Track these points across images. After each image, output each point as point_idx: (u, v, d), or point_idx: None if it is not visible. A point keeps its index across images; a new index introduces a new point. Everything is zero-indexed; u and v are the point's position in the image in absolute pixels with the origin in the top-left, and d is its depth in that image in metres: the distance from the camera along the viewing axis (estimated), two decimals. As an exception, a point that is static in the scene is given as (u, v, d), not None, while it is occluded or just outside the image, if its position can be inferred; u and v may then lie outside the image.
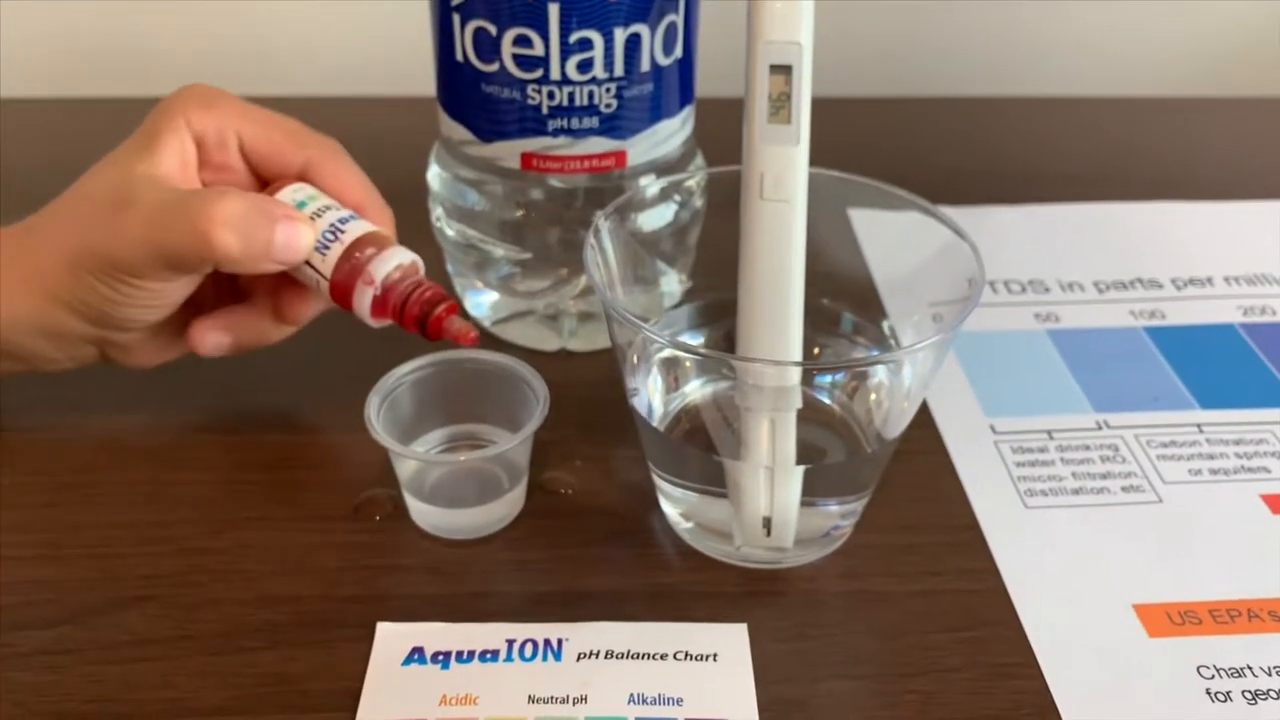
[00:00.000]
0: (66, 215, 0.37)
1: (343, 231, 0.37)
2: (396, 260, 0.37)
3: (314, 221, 0.37)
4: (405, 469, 0.38)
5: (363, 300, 0.37)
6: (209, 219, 0.35)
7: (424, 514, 0.38)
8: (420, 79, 0.48)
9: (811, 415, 0.38)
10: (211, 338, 0.40)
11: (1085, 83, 0.73)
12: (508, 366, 0.39)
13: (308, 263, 0.37)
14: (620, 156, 0.42)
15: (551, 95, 0.40)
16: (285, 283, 0.40)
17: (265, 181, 0.40)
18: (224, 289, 0.41)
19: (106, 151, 0.38)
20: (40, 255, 0.37)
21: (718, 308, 0.41)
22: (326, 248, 0.37)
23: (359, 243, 0.37)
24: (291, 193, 0.38)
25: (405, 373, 0.39)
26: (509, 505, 0.39)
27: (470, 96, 0.42)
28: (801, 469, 0.35)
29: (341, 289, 0.37)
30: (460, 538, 0.38)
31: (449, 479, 0.38)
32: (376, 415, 0.37)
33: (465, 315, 0.46)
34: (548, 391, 0.38)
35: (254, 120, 0.39)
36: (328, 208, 0.38)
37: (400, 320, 0.38)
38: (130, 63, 0.68)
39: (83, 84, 0.68)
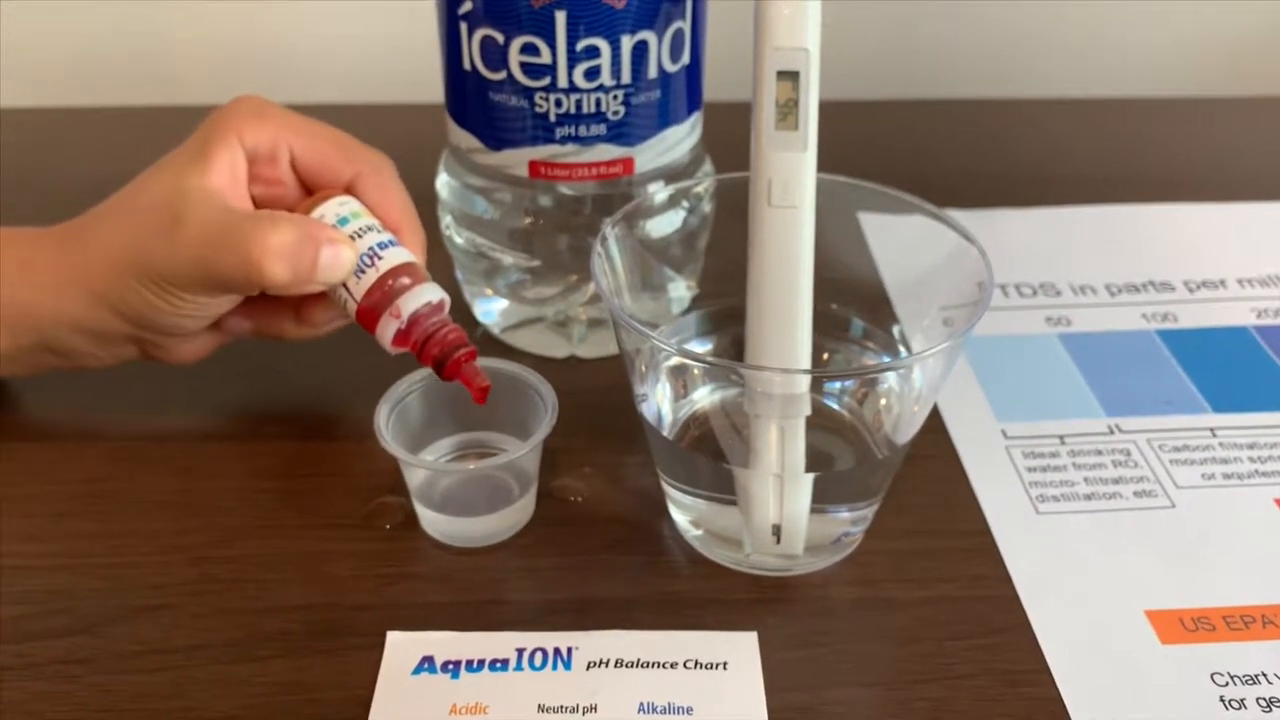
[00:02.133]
0: (117, 220, 0.38)
1: (380, 258, 0.37)
2: (426, 298, 0.37)
3: (354, 242, 0.37)
4: (415, 477, 0.38)
5: (386, 331, 0.37)
6: (262, 248, 0.35)
7: (434, 522, 0.38)
8: (428, 86, 0.49)
9: (821, 421, 0.38)
10: (234, 319, 0.40)
11: (1095, 84, 0.72)
12: (517, 374, 0.39)
13: (341, 283, 0.38)
14: (628, 163, 0.42)
15: (559, 103, 0.40)
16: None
17: (312, 193, 0.40)
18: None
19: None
20: (89, 257, 0.37)
21: (726, 314, 0.41)
22: (362, 272, 0.37)
23: (393, 272, 0.37)
24: (336, 206, 0.38)
25: (415, 381, 0.39)
26: (519, 513, 0.39)
27: (478, 105, 0.42)
28: (811, 476, 0.35)
29: (368, 315, 0.38)
30: (470, 546, 0.38)
31: (459, 487, 0.39)
32: (386, 424, 0.38)
33: (475, 337, 0.46)
34: (556, 399, 0.38)
35: (305, 133, 0.39)
36: (369, 228, 0.38)
37: (419, 355, 0.38)
38: (142, 71, 0.69)
39: (96, 93, 0.68)
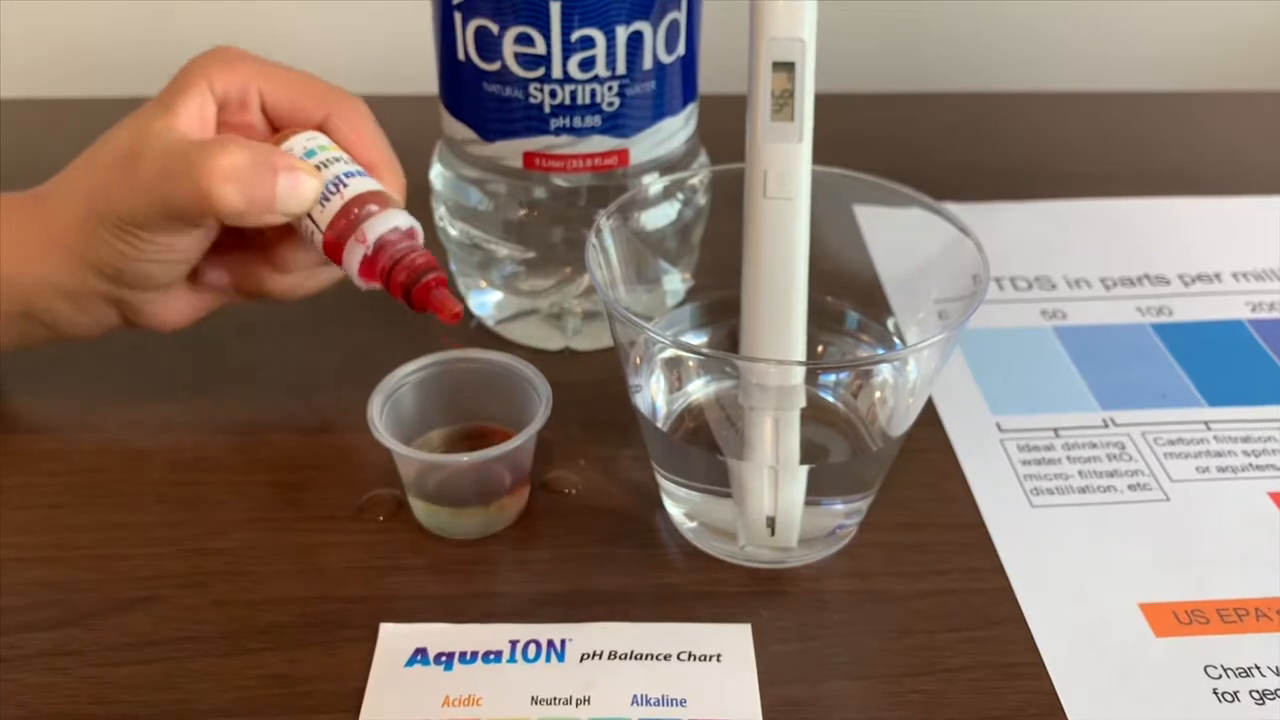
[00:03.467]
0: (81, 173, 0.37)
1: (345, 185, 0.36)
2: (394, 223, 0.36)
3: (319, 172, 0.36)
4: (408, 469, 0.38)
5: (352, 258, 0.36)
6: (209, 173, 0.34)
7: (427, 514, 0.38)
8: (423, 78, 0.48)
9: (815, 414, 0.38)
10: (211, 271, 0.40)
11: (1092, 78, 0.72)
12: (511, 366, 0.39)
13: (307, 214, 0.37)
14: (623, 155, 0.42)
15: (554, 94, 0.40)
16: (282, 230, 0.39)
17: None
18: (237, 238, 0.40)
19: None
20: (57, 215, 0.37)
21: (721, 306, 0.40)
22: (327, 200, 0.36)
23: (359, 199, 0.36)
24: (303, 140, 0.38)
25: (408, 373, 0.39)
26: (512, 505, 0.38)
27: (472, 95, 0.42)
28: (805, 468, 0.35)
29: (334, 245, 0.36)
30: (464, 538, 0.38)
31: (452, 479, 0.38)
32: (379, 416, 0.37)
33: (459, 295, 0.45)
34: (550, 391, 0.38)
35: (275, 78, 0.39)
36: (336, 159, 0.37)
37: (387, 285, 0.36)
38: (130, 62, 0.68)
39: (81, 84, 0.68)
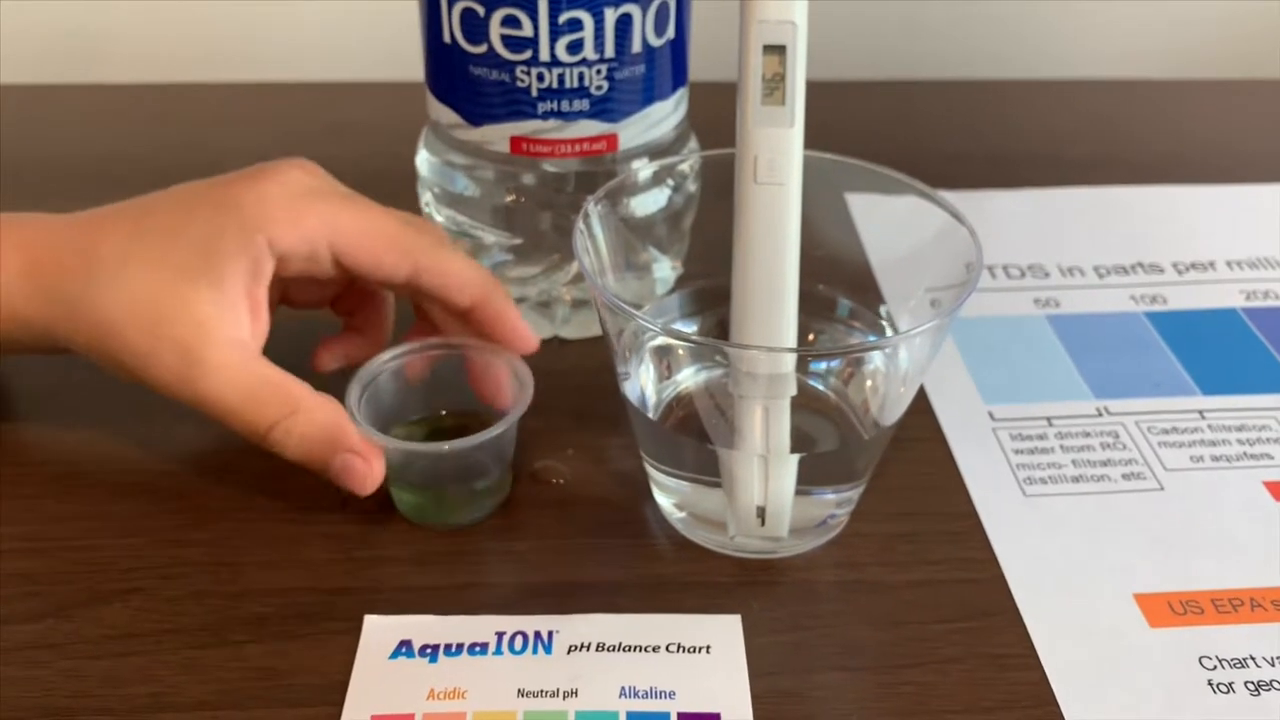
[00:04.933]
0: (115, 313, 0.35)
1: None
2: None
3: (381, 452, 0.36)
4: (389, 458, 0.37)
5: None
6: (272, 426, 0.35)
7: (409, 503, 0.37)
8: (409, 63, 0.48)
9: (806, 402, 0.37)
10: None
11: (1085, 65, 0.72)
12: (493, 352, 0.39)
13: None
14: (612, 140, 0.42)
15: (541, 77, 0.40)
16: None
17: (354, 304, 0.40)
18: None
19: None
20: (76, 318, 0.35)
21: (711, 294, 0.40)
22: None
23: None
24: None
25: (386, 360, 0.38)
26: (495, 494, 0.38)
27: (458, 79, 0.41)
28: (796, 457, 0.35)
29: None
30: (446, 527, 0.37)
31: (434, 467, 0.38)
32: (358, 405, 0.37)
33: None
34: (533, 377, 0.37)
35: (348, 233, 0.36)
36: None
37: None
38: (119, 48, 0.67)
39: (70, 70, 0.67)
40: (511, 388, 0.38)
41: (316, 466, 0.36)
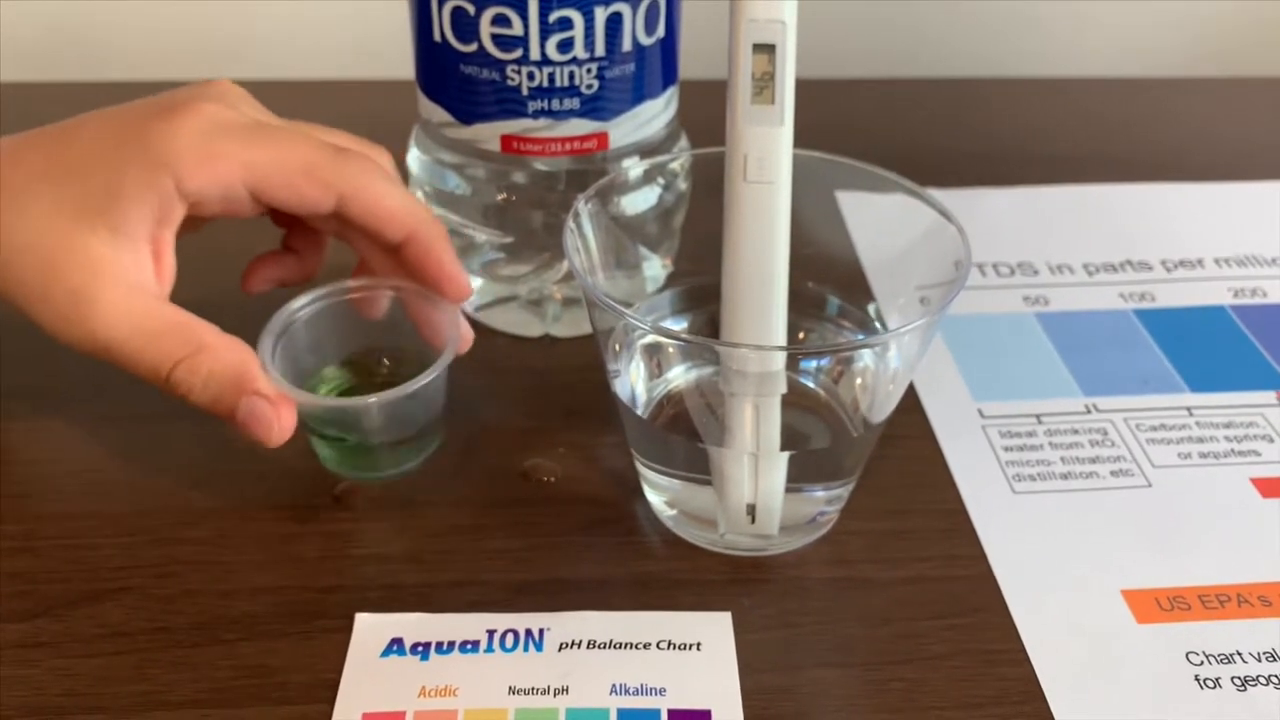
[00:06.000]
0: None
1: None
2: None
3: (291, 402, 0.34)
4: (308, 409, 0.35)
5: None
6: (180, 368, 0.33)
7: (332, 456, 0.36)
8: (399, 61, 0.48)
9: (796, 400, 0.38)
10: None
11: (1074, 64, 0.72)
12: (416, 293, 0.36)
13: None
14: (602, 138, 0.42)
15: (531, 76, 0.40)
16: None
17: (292, 218, 0.37)
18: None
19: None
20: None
21: (701, 292, 0.40)
22: None
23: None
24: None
25: (297, 308, 0.36)
26: (425, 444, 0.37)
27: (449, 77, 0.41)
28: (786, 455, 0.35)
29: None
30: (374, 479, 0.36)
31: (358, 420, 0.36)
32: (271, 355, 0.34)
33: None
34: (463, 319, 0.35)
35: (263, 169, 0.33)
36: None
37: None
38: (109, 47, 0.67)
39: (62, 68, 0.67)
40: (446, 329, 0.35)
41: (225, 411, 0.33)
